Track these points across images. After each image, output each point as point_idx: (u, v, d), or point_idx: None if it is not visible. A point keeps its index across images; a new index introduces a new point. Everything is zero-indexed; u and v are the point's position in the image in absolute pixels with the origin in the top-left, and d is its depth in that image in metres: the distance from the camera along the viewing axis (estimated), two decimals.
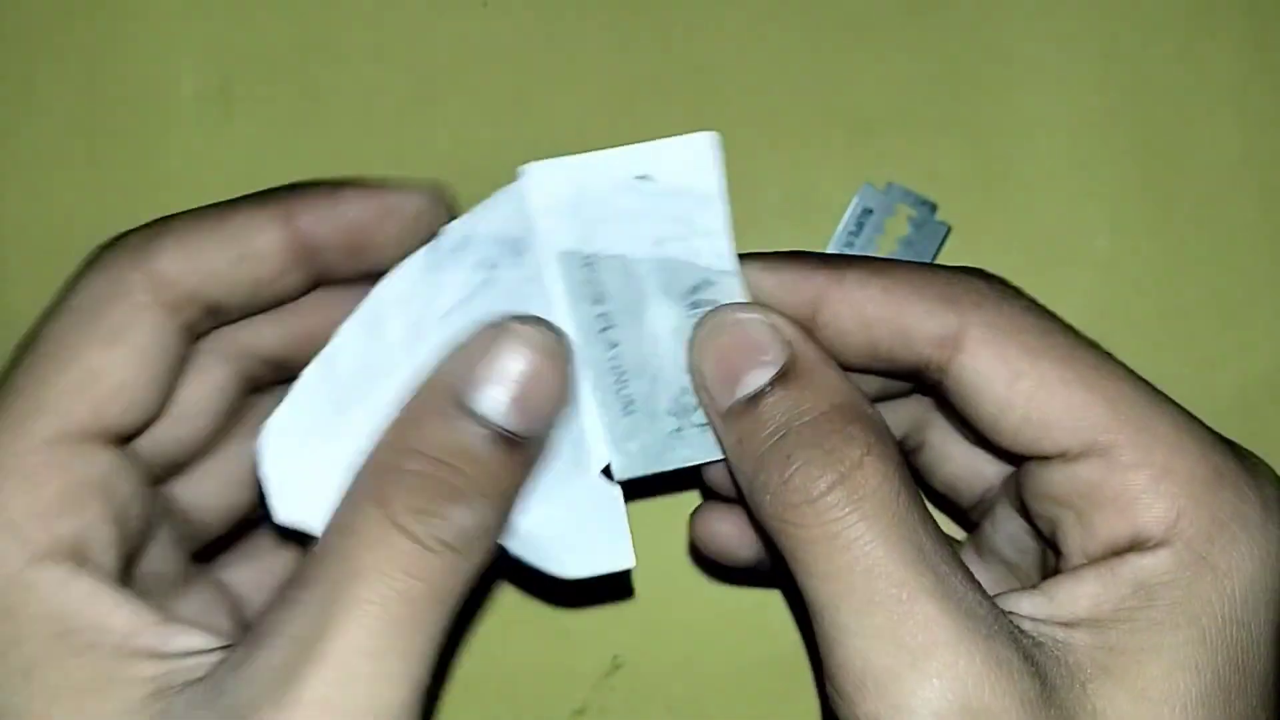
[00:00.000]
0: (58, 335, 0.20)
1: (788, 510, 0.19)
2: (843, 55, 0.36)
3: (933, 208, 0.36)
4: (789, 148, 0.36)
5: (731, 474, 0.22)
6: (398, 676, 0.17)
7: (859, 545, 0.19)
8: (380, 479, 0.18)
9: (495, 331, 0.20)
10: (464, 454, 0.18)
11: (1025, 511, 0.23)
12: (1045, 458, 0.21)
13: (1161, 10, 0.37)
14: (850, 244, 0.36)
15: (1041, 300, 0.36)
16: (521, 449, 0.20)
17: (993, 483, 0.25)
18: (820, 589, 0.19)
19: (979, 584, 0.20)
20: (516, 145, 0.36)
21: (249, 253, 0.21)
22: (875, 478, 0.19)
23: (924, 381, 0.23)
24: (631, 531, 0.24)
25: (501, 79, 0.36)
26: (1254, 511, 0.20)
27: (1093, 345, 0.22)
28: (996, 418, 0.21)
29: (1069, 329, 0.22)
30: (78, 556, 0.18)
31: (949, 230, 0.36)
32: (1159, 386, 0.36)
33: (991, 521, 0.25)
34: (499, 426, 0.19)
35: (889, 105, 0.36)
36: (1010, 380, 0.21)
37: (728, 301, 0.23)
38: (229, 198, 0.24)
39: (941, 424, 0.25)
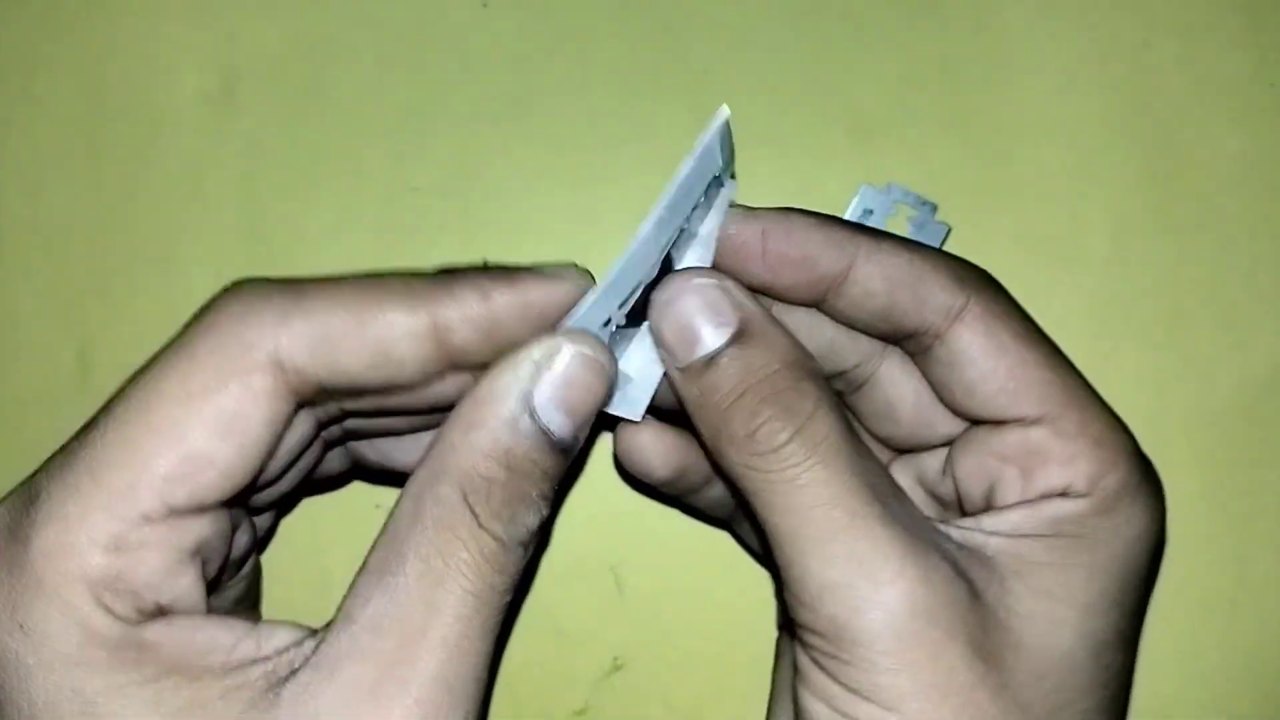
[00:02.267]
0: (169, 403, 0.20)
1: (753, 459, 0.22)
2: (843, 55, 0.36)
3: (933, 208, 0.36)
4: (789, 148, 0.36)
5: (685, 418, 0.24)
6: (486, 654, 0.20)
7: (816, 485, 0.22)
8: (466, 483, 0.20)
9: (553, 345, 0.22)
10: (532, 463, 0.21)
11: (949, 468, 0.27)
12: (1003, 422, 0.25)
13: (1161, 11, 0.37)
14: None
15: (1041, 299, 0.36)
16: (570, 452, 0.22)
17: (936, 434, 0.28)
18: (783, 523, 0.22)
19: (916, 507, 0.24)
20: (516, 145, 0.36)
21: (389, 358, 0.21)
22: (825, 426, 0.23)
23: (916, 344, 0.26)
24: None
25: (501, 79, 0.36)
26: (1149, 485, 0.25)
27: (1054, 346, 0.27)
28: (975, 383, 0.25)
29: (1041, 332, 0.27)
30: (175, 607, 0.20)
31: (949, 230, 0.36)
32: (1158, 385, 0.36)
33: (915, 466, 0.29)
34: (558, 438, 0.21)
35: (889, 105, 0.36)
36: (996, 354, 0.25)
37: (691, 265, 0.25)
38: (358, 273, 0.23)
39: (896, 373, 0.27)
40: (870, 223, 0.36)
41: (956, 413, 0.26)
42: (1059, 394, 0.25)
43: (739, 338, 0.23)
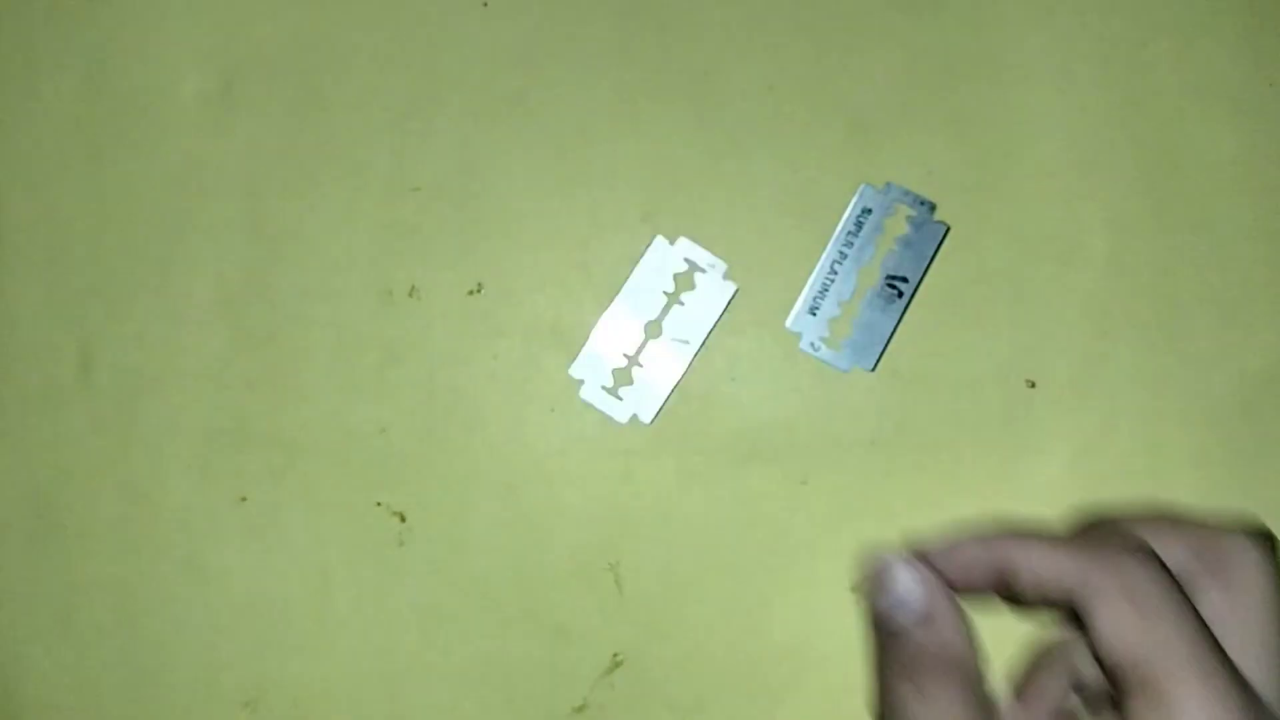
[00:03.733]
0: None
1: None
2: (843, 55, 0.36)
3: (931, 207, 0.36)
4: (789, 148, 0.36)
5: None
6: None
7: None
8: None
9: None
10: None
11: None
12: None
13: (1160, 11, 0.37)
14: (850, 243, 0.36)
15: (1041, 299, 0.36)
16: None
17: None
18: None
19: None
20: (517, 145, 0.36)
21: None
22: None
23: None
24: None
25: (501, 79, 0.36)
26: None
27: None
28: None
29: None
30: None
31: (948, 230, 0.36)
32: (1156, 383, 0.36)
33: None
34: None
35: (888, 105, 0.36)
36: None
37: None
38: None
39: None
40: (869, 222, 0.36)
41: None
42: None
43: (923, 621, 0.25)
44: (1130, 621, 0.22)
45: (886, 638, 0.25)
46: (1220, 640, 0.21)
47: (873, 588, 0.26)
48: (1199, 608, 0.22)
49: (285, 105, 0.36)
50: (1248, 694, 0.20)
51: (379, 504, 0.35)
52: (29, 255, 0.36)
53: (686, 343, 0.36)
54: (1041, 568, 0.24)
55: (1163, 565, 0.22)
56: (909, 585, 0.25)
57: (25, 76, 0.37)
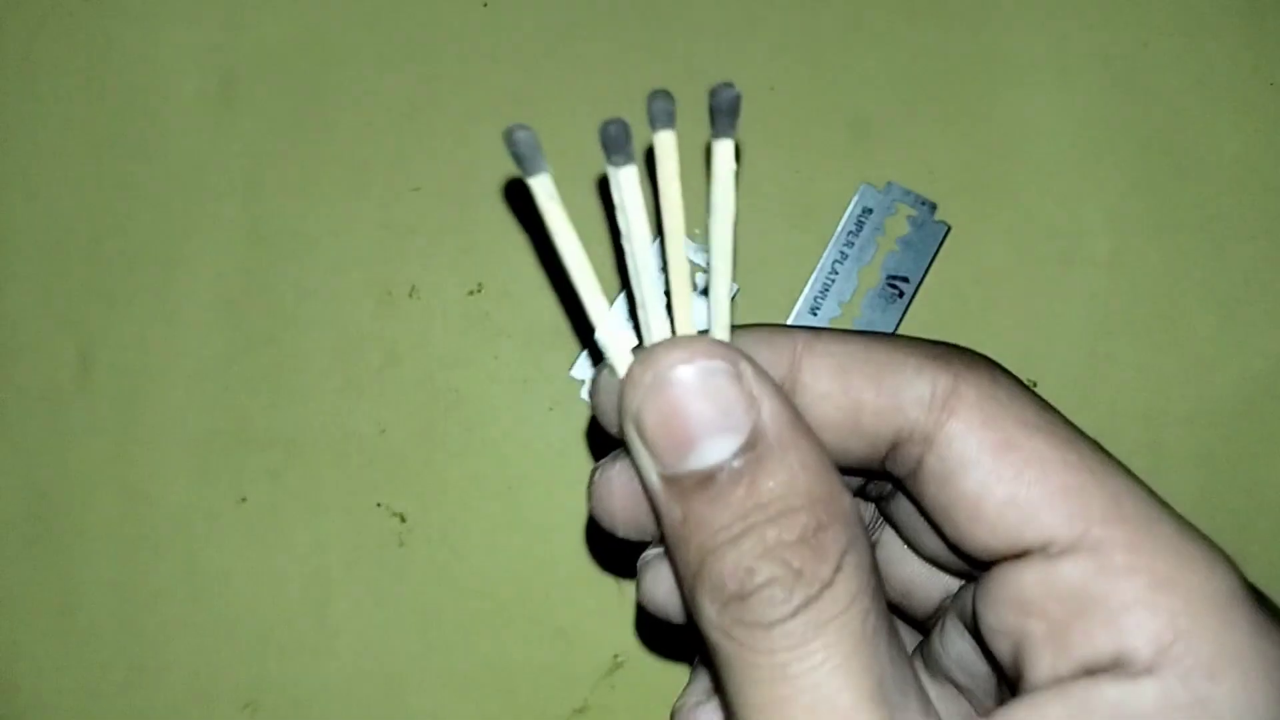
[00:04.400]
0: None
1: (735, 627, 0.17)
2: (843, 55, 0.36)
3: (932, 207, 0.36)
4: (789, 148, 0.36)
5: (665, 542, 0.19)
6: None
7: (809, 677, 0.16)
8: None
9: None
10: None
11: (978, 630, 0.19)
12: (1020, 555, 0.18)
13: (1161, 11, 0.37)
14: (850, 243, 0.36)
15: (1042, 300, 0.36)
16: None
17: (951, 591, 0.22)
18: (751, 716, 0.17)
19: (935, 713, 0.17)
20: None
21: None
22: (845, 598, 0.16)
23: (903, 465, 0.20)
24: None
25: (502, 79, 0.36)
26: (1271, 647, 0.16)
27: (1092, 440, 0.19)
28: (979, 496, 0.18)
29: (1068, 420, 0.19)
30: None
31: (949, 230, 0.36)
32: (1158, 383, 0.36)
33: (941, 638, 0.22)
34: None
35: (889, 105, 0.36)
36: (1000, 450, 0.18)
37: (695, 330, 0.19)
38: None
39: (902, 522, 0.22)
40: (870, 222, 0.36)
41: (967, 554, 0.19)
42: (1100, 506, 0.17)
43: (750, 449, 0.17)
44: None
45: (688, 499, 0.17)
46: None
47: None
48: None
49: (285, 106, 0.36)
50: None
51: (379, 505, 0.35)
52: (29, 255, 0.36)
53: None
54: (853, 364, 0.19)
55: None
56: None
57: (25, 76, 0.37)
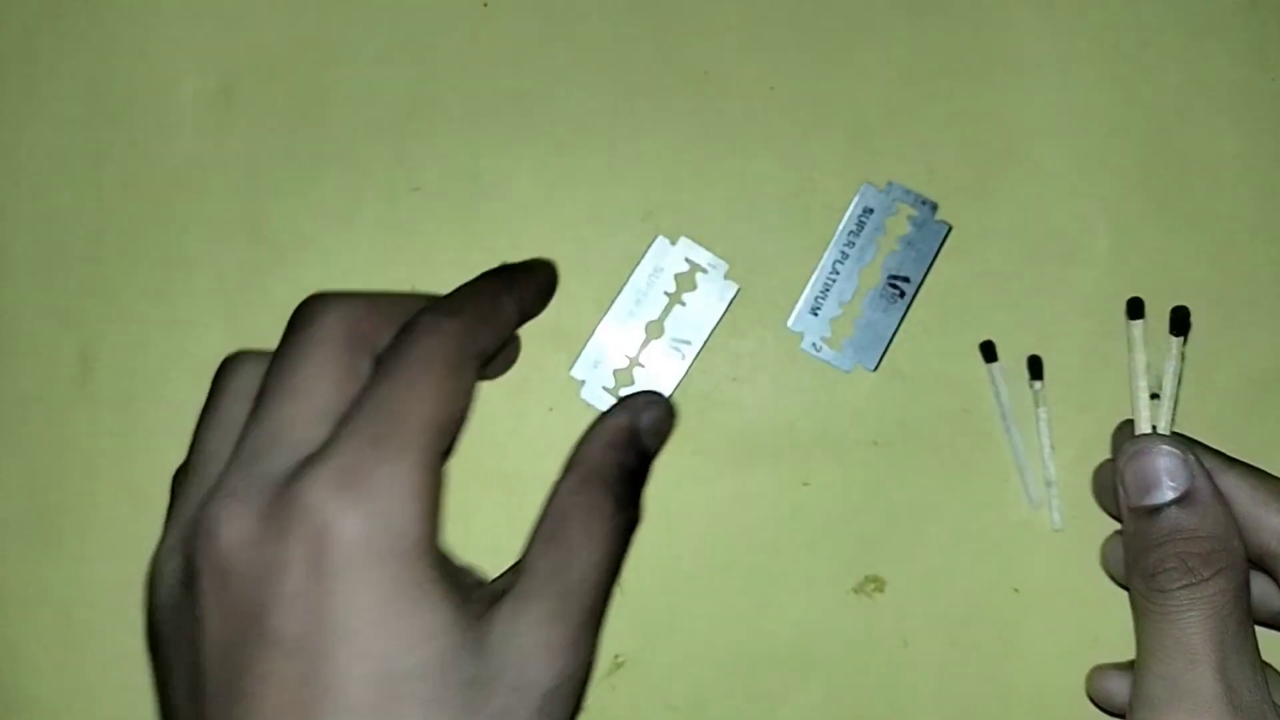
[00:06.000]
0: (430, 372, 0.26)
1: (1150, 591, 0.28)
2: (844, 55, 0.36)
3: (933, 207, 0.36)
4: (790, 147, 0.36)
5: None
6: (611, 592, 0.29)
7: (1183, 626, 0.27)
8: (610, 482, 0.29)
9: (651, 399, 0.31)
10: (641, 473, 0.30)
11: None
12: None
13: (1161, 11, 0.37)
14: (851, 243, 0.36)
15: (1041, 299, 0.36)
16: (651, 464, 0.31)
17: None
18: (1144, 645, 0.28)
19: (1268, 695, 0.27)
20: (517, 145, 0.36)
21: (508, 328, 0.30)
22: (1216, 590, 0.27)
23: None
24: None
25: (502, 79, 0.36)
26: None
27: None
28: None
29: None
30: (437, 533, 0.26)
31: (950, 229, 0.36)
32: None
33: None
34: (651, 455, 0.31)
35: (889, 105, 0.36)
36: None
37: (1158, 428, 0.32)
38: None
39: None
40: (871, 222, 0.36)
41: None
42: None
43: (1183, 501, 0.29)
44: None
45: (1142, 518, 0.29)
46: None
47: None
48: None
49: (285, 106, 0.37)
50: None
51: None
52: (29, 256, 0.36)
53: (688, 343, 0.36)
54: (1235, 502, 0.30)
55: None
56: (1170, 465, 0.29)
57: (24, 77, 0.37)
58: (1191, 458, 0.29)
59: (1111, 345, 0.36)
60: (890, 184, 0.36)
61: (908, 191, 0.36)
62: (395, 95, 0.36)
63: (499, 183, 0.36)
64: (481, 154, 0.36)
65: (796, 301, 0.36)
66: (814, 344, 0.36)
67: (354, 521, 0.23)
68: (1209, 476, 0.29)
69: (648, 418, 0.31)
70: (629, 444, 0.30)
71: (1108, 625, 0.35)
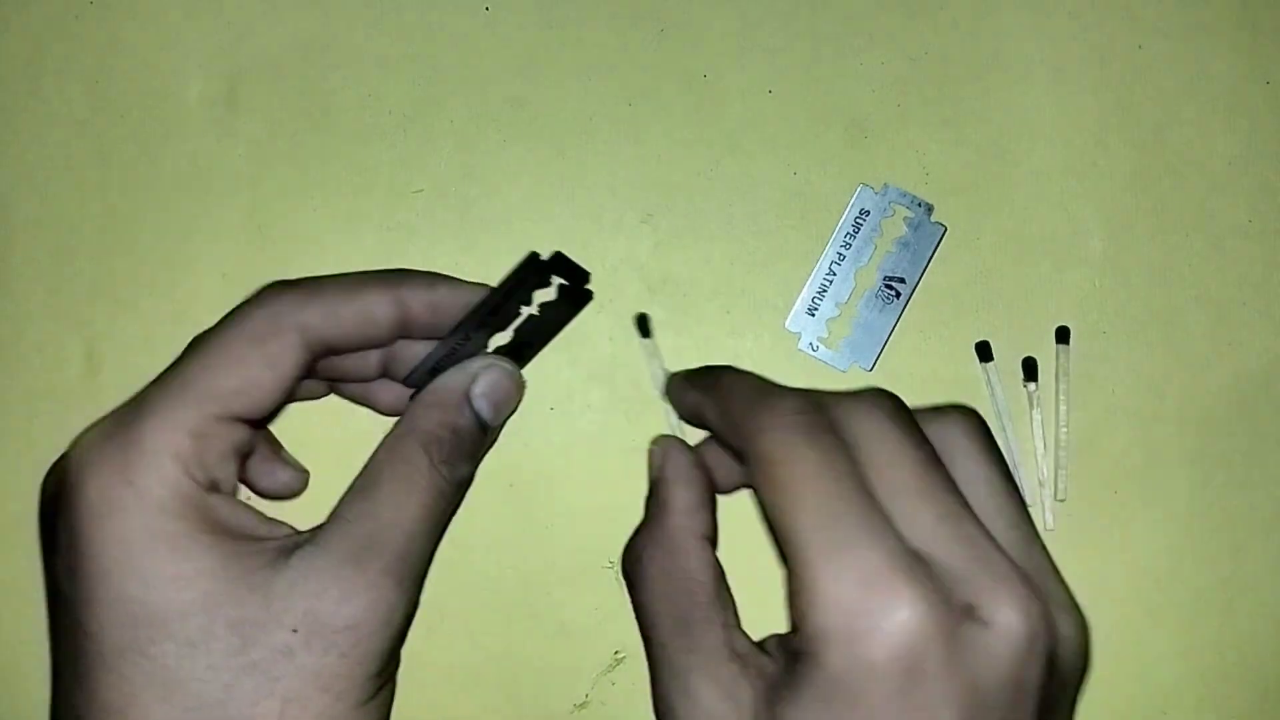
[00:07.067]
0: (235, 345, 0.28)
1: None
2: (841, 57, 0.37)
3: (929, 208, 0.36)
4: (786, 149, 0.36)
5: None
6: (430, 549, 0.29)
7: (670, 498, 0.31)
8: (426, 440, 0.29)
9: (488, 363, 0.32)
10: (470, 433, 0.30)
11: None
12: None
13: (1156, 13, 0.37)
14: (848, 244, 0.36)
15: (1038, 300, 0.36)
16: (491, 432, 0.32)
17: None
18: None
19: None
20: (518, 147, 0.37)
21: (371, 322, 0.30)
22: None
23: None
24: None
25: (503, 81, 0.37)
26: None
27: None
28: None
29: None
30: (222, 488, 0.28)
31: (945, 231, 0.36)
32: (1152, 383, 0.36)
33: None
34: (483, 420, 0.31)
35: (886, 107, 0.37)
36: None
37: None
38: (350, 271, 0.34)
39: None
40: (867, 224, 0.36)
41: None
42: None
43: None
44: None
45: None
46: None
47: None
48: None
49: (289, 108, 0.37)
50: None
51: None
52: (35, 256, 0.37)
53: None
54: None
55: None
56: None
57: (30, 79, 0.37)
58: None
59: (1106, 345, 0.36)
60: (886, 186, 0.36)
61: (904, 193, 0.36)
62: (398, 97, 0.37)
63: (499, 184, 0.37)
64: (482, 155, 0.37)
65: (794, 302, 0.36)
66: (811, 344, 0.36)
67: (100, 479, 0.26)
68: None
69: (484, 381, 0.31)
70: (459, 405, 0.30)
71: (1103, 624, 0.35)
